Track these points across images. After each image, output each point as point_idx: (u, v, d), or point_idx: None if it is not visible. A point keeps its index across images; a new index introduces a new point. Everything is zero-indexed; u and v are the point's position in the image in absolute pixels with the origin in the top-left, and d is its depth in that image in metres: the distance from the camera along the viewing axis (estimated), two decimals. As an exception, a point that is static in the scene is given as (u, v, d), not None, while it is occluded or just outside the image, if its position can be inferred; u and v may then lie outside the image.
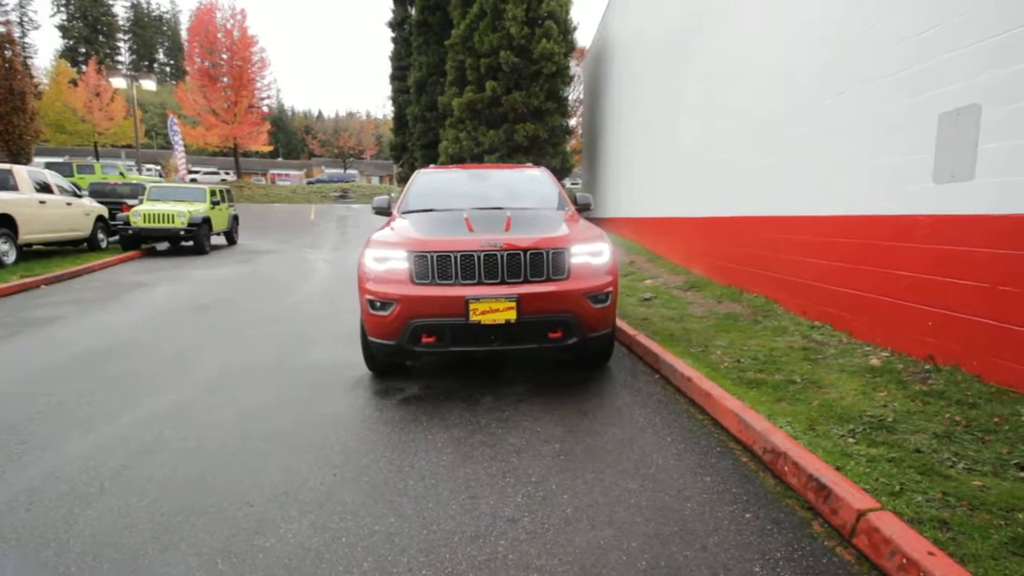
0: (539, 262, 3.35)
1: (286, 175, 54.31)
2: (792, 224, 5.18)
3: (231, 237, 15.19)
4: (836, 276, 4.49)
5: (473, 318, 3.22)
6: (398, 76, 23.59)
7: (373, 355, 3.76)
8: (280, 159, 62.89)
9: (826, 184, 4.66)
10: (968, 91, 3.16)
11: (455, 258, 3.31)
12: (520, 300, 3.22)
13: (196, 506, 2.23)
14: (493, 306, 3.21)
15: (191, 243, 12.52)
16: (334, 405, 3.40)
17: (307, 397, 3.55)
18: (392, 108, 24.96)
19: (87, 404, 3.39)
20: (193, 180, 27.15)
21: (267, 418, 3.18)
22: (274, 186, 45.87)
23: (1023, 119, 2.85)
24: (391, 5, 23.25)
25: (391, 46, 23.84)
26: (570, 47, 15.81)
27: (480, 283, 3.29)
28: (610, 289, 3.52)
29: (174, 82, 58.12)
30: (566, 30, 15.65)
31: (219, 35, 36.51)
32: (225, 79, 37.26)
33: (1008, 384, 2.93)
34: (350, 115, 71.59)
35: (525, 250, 3.33)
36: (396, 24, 23.15)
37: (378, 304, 3.37)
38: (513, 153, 15.70)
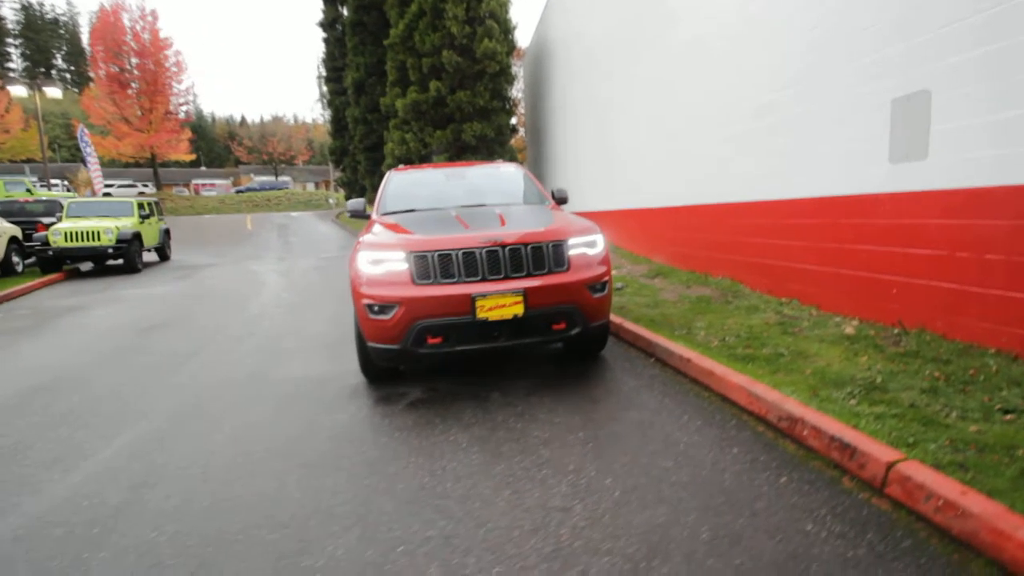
0: (541, 255, 3.37)
1: (211, 184, 51.29)
2: (753, 209, 5.49)
3: (163, 253, 14.16)
4: (800, 255, 4.81)
5: (480, 315, 3.18)
6: (333, 78, 22.84)
7: (370, 361, 3.63)
8: (203, 168, 59.16)
9: (786, 170, 4.97)
10: (919, 79, 3.48)
11: (457, 256, 3.26)
12: (527, 294, 3.22)
13: (225, 535, 2.07)
14: (500, 301, 3.19)
15: (120, 261, 11.54)
16: (338, 416, 3.25)
17: (305, 411, 3.37)
18: (328, 111, 24.08)
19: (52, 442, 3.06)
20: (107, 195, 24.97)
21: (268, 436, 3.00)
22: (199, 197, 43.19)
23: (968, 103, 3.18)
24: (321, 5, 22.44)
25: (323, 47, 23.06)
26: (511, 47, 15.91)
27: (484, 279, 3.25)
28: (607, 278, 3.59)
29: (76, 90, 53.25)
30: (506, 29, 15.73)
31: (127, 38, 33.91)
32: (136, 85, 34.66)
33: (971, 340, 3.26)
34: (276, 119, 68.38)
35: (526, 244, 3.34)
36: (328, 24, 22.38)
37: (378, 308, 3.26)
38: (461, 153, 15.61)
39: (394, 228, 3.73)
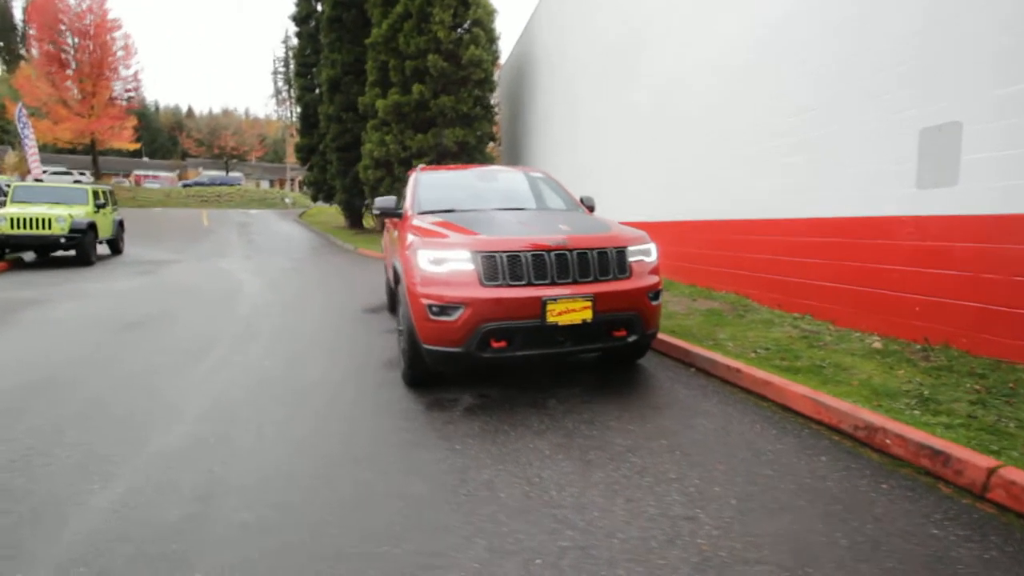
0: (606, 261, 3.35)
1: (154, 176, 48.28)
2: (763, 227, 5.71)
3: (116, 246, 13.18)
4: (815, 272, 5.03)
5: (550, 319, 3.12)
6: (303, 73, 22.10)
7: (417, 365, 3.47)
8: (146, 159, 55.60)
9: (801, 191, 5.21)
10: (948, 111, 3.75)
11: (526, 258, 3.19)
12: (596, 299, 3.19)
13: (341, 553, 1.89)
14: (570, 306, 3.15)
15: (72, 253, 10.62)
16: (396, 422, 3.09)
17: (355, 417, 3.19)
18: (297, 107, 23.25)
19: (71, 448, 2.73)
20: (38, 181, 22.97)
21: (326, 446, 2.80)
22: (141, 189, 40.56)
23: (1007, 135, 3.44)
24: (294, -2, 21.76)
25: (294, 41, 22.29)
26: (495, 56, 15.98)
27: (553, 283, 3.20)
28: (661, 287, 3.62)
29: (3, 68, 48.99)
30: (491, 39, 15.78)
31: (69, 16, 31.63)
32: (75, 65, 32.30)
33: (997, 356, 3.50)
34: (227, 112, 65.34)
35: (593, 249, 3.32)
36: (301, 19, 21.69)
37: (440, 309, 3.14)
38: (442, 158, 15.45)
39: (449, 227, 3.61)
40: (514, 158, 17.47)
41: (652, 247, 3.69)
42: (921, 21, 3.99)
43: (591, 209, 4.85)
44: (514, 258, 3.18)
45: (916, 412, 2.88)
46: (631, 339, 3.44)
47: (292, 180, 53.55)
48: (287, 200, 37.97)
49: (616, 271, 3.38)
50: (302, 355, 4.51)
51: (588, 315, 3.18)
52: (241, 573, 1.78)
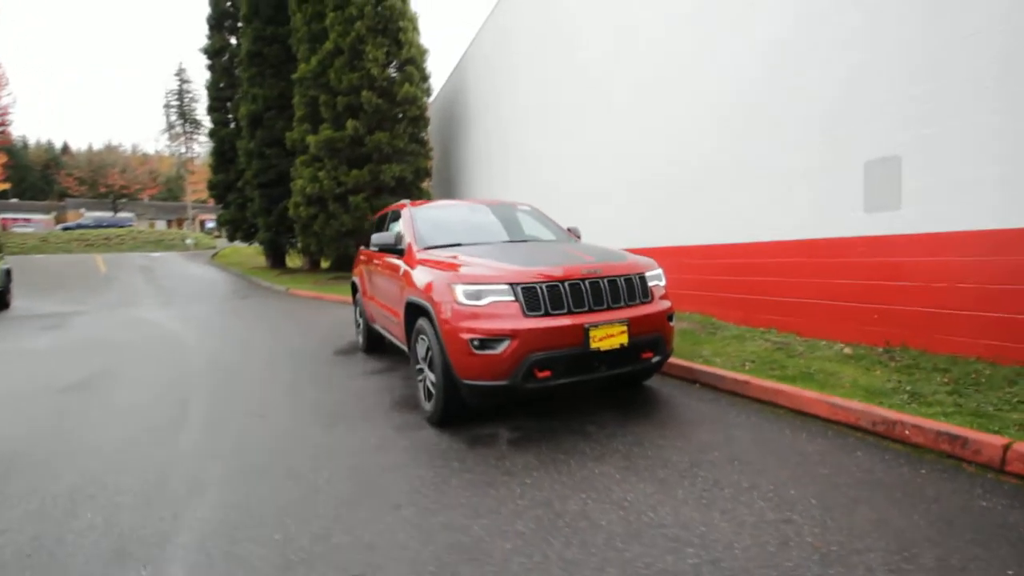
0: (633, 287, 3.53)
1: (25, 220, 42.73)
2: (725, 250, 6.26)
3: (3, 299, 11.43)
4: (776, 289, 5.59)
5: (593, 345, 3.22)
6: (217, 107, 20.91)
7: (452, 404, 3.40)
8: (14, 200, 48.96)
9: (766, 215, 5.81)
10: (888, 146, 4.44)
11: (564, 287, 3.28)
12: (630, 323, 3.34)
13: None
14: (609, 331, 3.27)
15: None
16: (450, 463, 2.98)
17: (403, 463, 3.03)
18: (211, 142, 21.84)
19: (76, 537, 2.36)
20: None
21: (393, 495, 2.65)
22: (10, 233, 35.65)
23: (935, 166, 4.13)
24: (206, 31, 20.70)
25: (207, 74, 21.08)
26: (427, 93, 16.21)
27: (591, 310, 3.31)
28: (674, 309, 3.87)
29: None
30: (423, 77, 16.04)
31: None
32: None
33: (951, 352, 4.10)
34: (110, 148, 59.64)
35: (621, 276, 3.49)
36: (213, 52, 20.65)
37: (483, 343, 3.13)
38: (379, 193, 15.23)
39: (471, 261, 3.61)
40: (447, 192, 17.62)
41: (662, 272, 3.94)
42: (848, 71, 4.72)
43: (579, 238, 5.07)
44: (553, 287, 3.27)
45: (914, 405, 3.30)
46: (655, 360, 3.62)
47: (193, 219, 49.65)
48: (188, 241, 35.04)
49: (640, 296, 3.57)
50: (297, 408, 4.20)
51: (624, 339, 3.32)
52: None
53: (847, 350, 4.64)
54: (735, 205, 6.11)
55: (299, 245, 17.61)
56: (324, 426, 3.69)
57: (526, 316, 3.19)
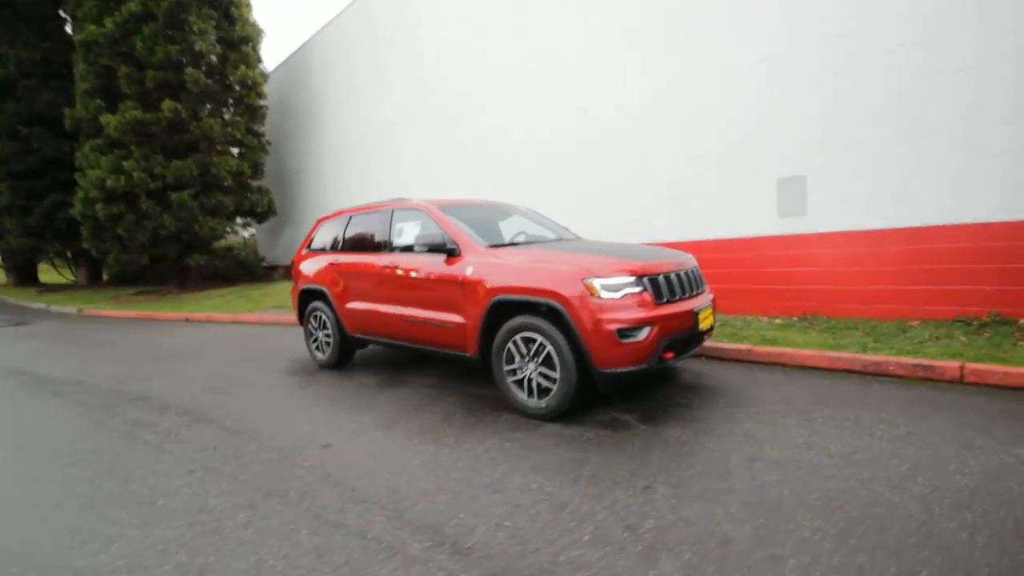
0: (700, 276, 4.13)
1: None
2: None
3: None
4: (713, 278, 6.86)
5: (699, 327, 3.71)
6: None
7: (574, 395, 3.48)
8: None
9: (701, 221, 7.04)
10: (796, 167, 5.98)
11: (673, 277, 3.70)
12: (713, 306, 3.93)
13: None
14: (707, 314, 3.81)
15: None
16: (588, 448, 3.12)
17: (542, 447, 3.05)
18: None
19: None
20: None
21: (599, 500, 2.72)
22: None
23: (830, 184, 5.76)
24: None
25: None
26: (264, 79, 14.31)
27: (691, 296, 3.80)
28: (706, 294, 4.60)
29: None
30: (259, 60, 14.10)
31: None
32: None
33: (848, 316, 5.76)
34: None
35: (695, 268, 4.05)
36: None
37: (628, 331, 3.35)
38: (209, 190, 12.86)
39: (573, 255, 3.73)
40: (285, 193, 15.79)
41: (694, 263, 4.64)
42: (767, 107, 6.21)
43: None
44: (667, 278, 3.64)
45: (871, 350, 4.64)
46: (708, 338, 4.29)
47: None
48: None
49: (703, 283, 4.20)
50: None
51: (712, 320, 3.89)
52: None
53: (778, 321, 6.07)
54: (694, 210, 7.27)
55: (75, 254, 13.54)
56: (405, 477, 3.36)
57: (657, 304, 3.51)
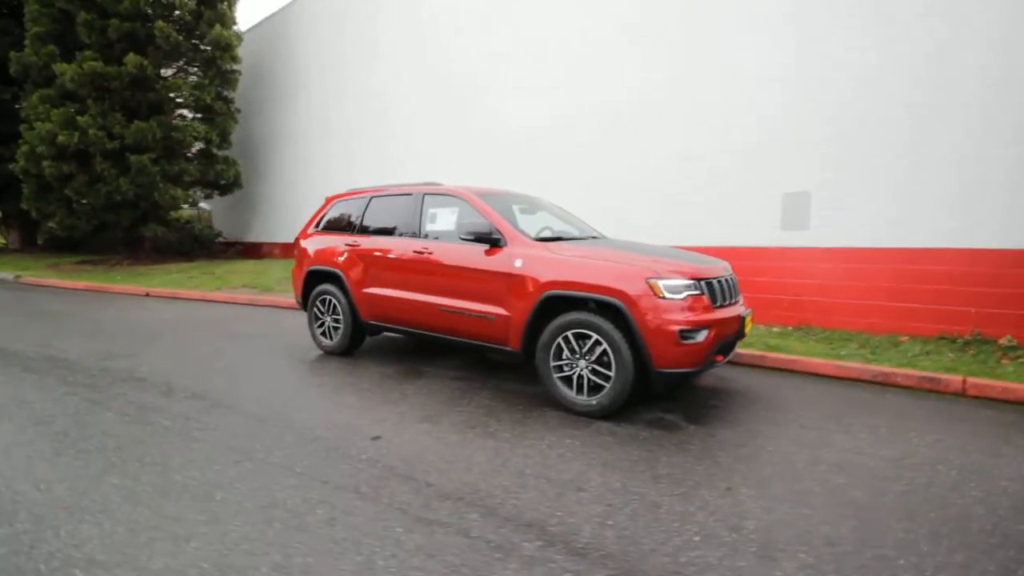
0: (737, 283, 4.26)
1: None
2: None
3: None
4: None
5: (745, 331, 3.83)
6: None
7: (629, 394, 3.51)
8: None
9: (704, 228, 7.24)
10: (802, 183, 6.27)
11: (723, 282, 3.79)
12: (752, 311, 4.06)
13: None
14: (750, 319, 3.94)
15: None
16: (656, 445, 3.18)
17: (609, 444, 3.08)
18: None
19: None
20: None
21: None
22: None
23: (833, 201, 6.09)
24: None
25: None
26: (240, 41, 13.40)
27: (735, 302, 3.91)
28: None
29: None
30: (233, 21, 13.18)
31: None
32: None
33: (841, 328, 6.12)
34: None
35: (733, 275, 4.18)
36: None
37: (689, 333, 3.41)
38: (172, 156, 11.93)
39: (629, 255, 3.74)
40: (255, 165, 14.91)
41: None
42: (776, 121, 6.46)
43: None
44: (720, 282, 3.74)
45: (872, 361, 4.96)
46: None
47: None
48: None
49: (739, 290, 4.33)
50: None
51: (751, 324, 4.02)
52: None
53: (776, 329, 6.36)
54: (683, 219, 7.44)
55: (7, 215, 12.13)
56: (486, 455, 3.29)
57: (713, 308, 3.59)
